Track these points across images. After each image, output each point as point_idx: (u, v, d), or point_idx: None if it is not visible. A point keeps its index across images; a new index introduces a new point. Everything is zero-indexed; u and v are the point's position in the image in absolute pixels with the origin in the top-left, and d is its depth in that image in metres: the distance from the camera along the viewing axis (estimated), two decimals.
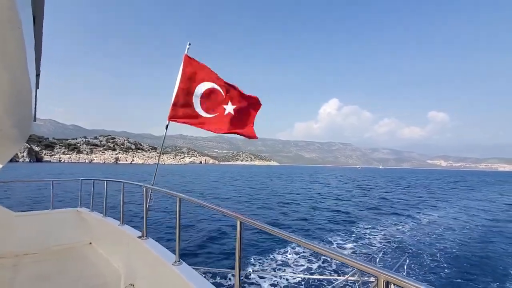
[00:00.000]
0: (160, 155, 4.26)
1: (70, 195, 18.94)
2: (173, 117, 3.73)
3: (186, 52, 3.81)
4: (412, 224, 14.19)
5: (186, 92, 3.74)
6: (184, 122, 3.79)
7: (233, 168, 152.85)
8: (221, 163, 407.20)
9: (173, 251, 2.55)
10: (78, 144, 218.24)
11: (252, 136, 4.18)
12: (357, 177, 75.33)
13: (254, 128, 4.23)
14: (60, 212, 5.30)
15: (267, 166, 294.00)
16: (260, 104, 4.28)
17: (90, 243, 5.07)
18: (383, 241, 10.75)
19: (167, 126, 3.81)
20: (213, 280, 6.23)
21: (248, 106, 4.14)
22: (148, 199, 3.35)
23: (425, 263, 8.38)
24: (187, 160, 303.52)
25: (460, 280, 7.15)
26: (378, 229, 12.71)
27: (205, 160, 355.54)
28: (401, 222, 14.50)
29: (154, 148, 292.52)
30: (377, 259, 8.71)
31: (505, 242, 10.96)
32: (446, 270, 7.86)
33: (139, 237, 3.23)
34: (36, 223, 4.97)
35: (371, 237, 11.35)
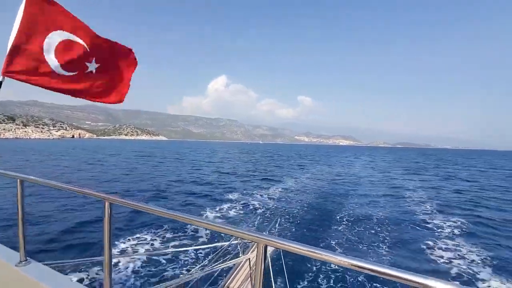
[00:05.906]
0: None
1: None
2: (10, 71, 2.34)
3: None
4: (281, 189, 17.18)
5: (31, 39, 2.43)
6: (27, 80, 2.46)
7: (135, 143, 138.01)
8: (100, 137, 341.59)
9: (17, 249, 1.98)
10: None
11: (119, 101, 3.12)
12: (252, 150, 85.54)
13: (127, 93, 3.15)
14: None
15: (157, 142, 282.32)
16: (135, 60, 3.18)
17: None
18: (258, 206, 12.34)
19: (0, 83, 2.37)
20: (78, 274, 5.66)
21: (119, 63, 3.08)
22: None
23: (291, 220, 10.36)
24: (56, 133, 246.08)
25: (314, 228, 9.61)
26: (254, 196, 14.66)
27: (79, 134, 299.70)
28: (270, 188, 17.42)
29: (12, 119, 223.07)
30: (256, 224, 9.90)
31: (344, 194, 16.03)
32: (305, 222, 10.11)
33: None
34: None
35: (247, 204, 12.48)
